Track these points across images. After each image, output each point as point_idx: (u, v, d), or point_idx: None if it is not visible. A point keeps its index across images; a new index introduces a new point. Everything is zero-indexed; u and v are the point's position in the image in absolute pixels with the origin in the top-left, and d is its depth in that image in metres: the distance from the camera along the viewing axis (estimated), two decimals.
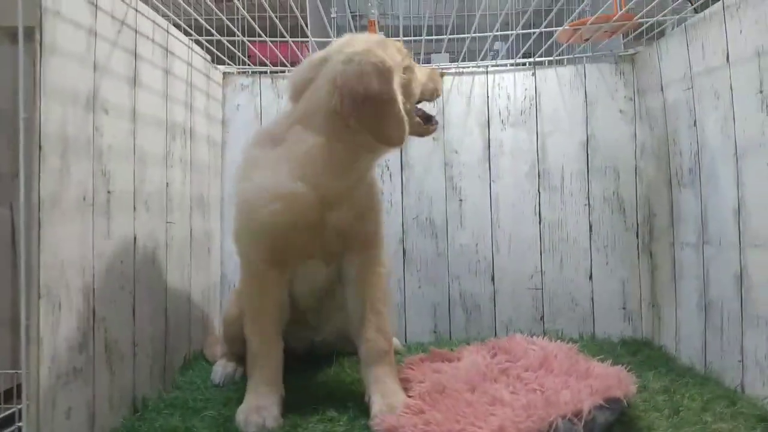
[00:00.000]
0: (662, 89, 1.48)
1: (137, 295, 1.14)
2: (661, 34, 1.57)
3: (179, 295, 1.36)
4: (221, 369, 1.31)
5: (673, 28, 1.50)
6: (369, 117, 1.01)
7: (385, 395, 1.03)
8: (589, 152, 1.62)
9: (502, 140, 1.64)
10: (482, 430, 0.86)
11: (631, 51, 1.62)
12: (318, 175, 1.04)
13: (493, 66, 1.66)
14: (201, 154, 1.51)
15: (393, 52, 1.09)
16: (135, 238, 1.13)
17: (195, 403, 1.16)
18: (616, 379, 0.97)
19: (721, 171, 1.24)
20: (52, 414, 0.86)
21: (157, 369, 1.24)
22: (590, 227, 1.61)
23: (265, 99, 1.66)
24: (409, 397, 1.02)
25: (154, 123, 1.23)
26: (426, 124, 1.22)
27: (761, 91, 1.09)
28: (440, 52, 1.81)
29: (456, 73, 1.66)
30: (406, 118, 1.03)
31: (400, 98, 1.03)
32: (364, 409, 1.05)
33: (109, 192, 1.04)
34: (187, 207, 1.41)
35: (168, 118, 1.29)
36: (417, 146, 1.64)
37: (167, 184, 1.29)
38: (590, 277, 1.60)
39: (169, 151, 1.30)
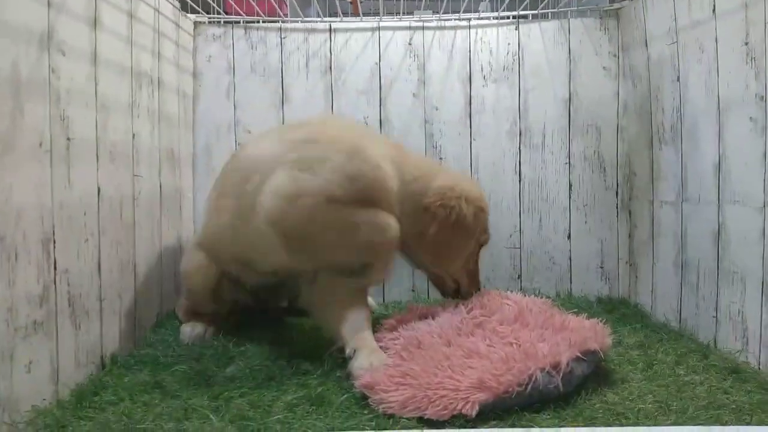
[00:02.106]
0: (647, 44, 1.45)
1: (103, 249, 1.09)
2: None
3: (149, 251, 1.32)
4: (189, 329, 1.28)
5: None
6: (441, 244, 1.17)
7: (367, 353, 1.01)
8: (571, 110, 1.59)
9: (484, 97, 1.60)
10: (461, 382, 0.85)
11: (616, 5, 1.58)
12: None
13: (476, 19, 1.61)
14: (170, 106, 1.45)
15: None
16: (99, 190, 1.08)
17: (166, 359, 1.14)
18: (592, 332, 0.97)
19: (703, 127, 1.22)
20: (10, 367, 0.82)
21: (127, 326, 1.20)
22: (570, 186, 1.60)
23: (237, 50, 1.59)
24: (386, 349, 1.00)
25: (118, 69, 1.16)
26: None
27: (746, 43, 1.07)
28: (420, 10, 1.75)
29: (437, 27, 1.60)
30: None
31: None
32: (339, 364, 1.03)
33: (68, 139, 0.98)
34: (156, 160, 1.36)
35: (133, 65, 1.23)
36: (396, 102, 1.59)
37: (134, 134, 1.23)
38: (569, 236, 1.60)
39: (135, 100, 1.24)
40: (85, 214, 1.04)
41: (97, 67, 1.08)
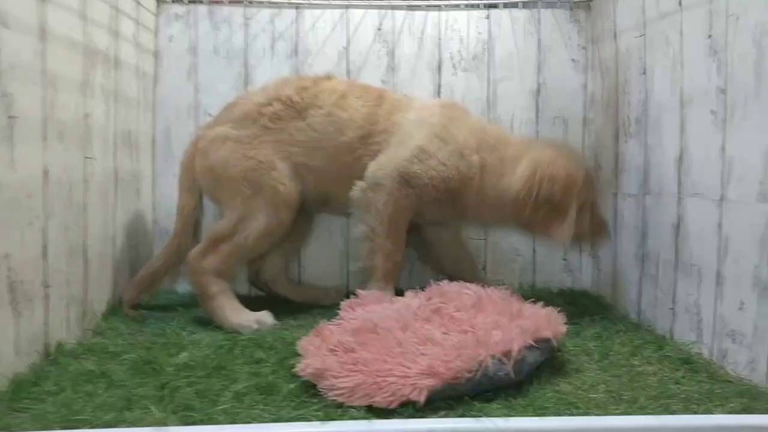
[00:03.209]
0: (615, 37, 1.44)
1: (49, 233, 1.05)
2: None
3: (102, 236, 1.28)
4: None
5: None
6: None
7: None
8: (539, 101, 1.58)
9: (453, 86, 1.58)
10: (410, 369, 0.84)
11: None
12: None
13: (446, 5, 1.58)
14: (128, 86, 1.40)
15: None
16: (46, 171, 1.04)
17: (115, 348, 1.10)
18: (545, 320, 0.96)
19: (667, 120, 1.22)
20: None
21: (76, 313, 1.16)
22: None
23: (201, 30, 1.54)
24: (341, 333, 0.98)
25: (69, 45, 1.11)
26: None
27: (710, 36, 1.07)
28: None
29: (408, 10, 1.57)
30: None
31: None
32: (292, 351, 1.01)
33: (10, 117, 0.93)
34: (111, 142, 1.31)
35: (87, 41, 1.18)
36: None
37: (86, 114, 1.18)
38: None
39: (89, 79, 1.19)
40: (29, 196, 0.99)
41: (46, 42, 1.03)
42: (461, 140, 1.29)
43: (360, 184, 1.27)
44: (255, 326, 1.21)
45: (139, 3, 1.44)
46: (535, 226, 1.31)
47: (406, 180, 1.26)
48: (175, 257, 1.34)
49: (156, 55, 1.54)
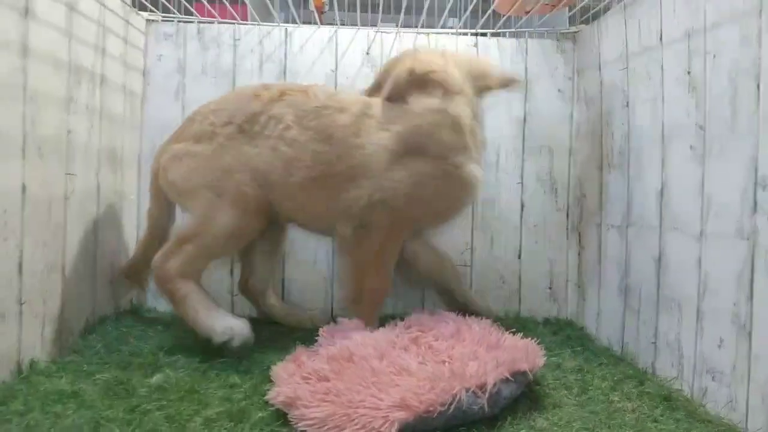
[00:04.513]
0: (600, 68, 1.46)
1: (25, 249, 1.04)
2: (606, 10, 1.55)
3: (82, 254, 1.26)
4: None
5: (614, 5, 1.48)
6: None
7: None
8: (525, 130, 1.59)
9: None
10: (383, 401, 0.83)
11: (573, 29, 1.60)
12: None
13: (434, 31, 1.60)
14: (114, 105, 1.40)
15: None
16: (24, 187, 1.03)
17: (90, 367, 1.08)
18: (523, 352, 0.95)
19: (648, 153, 1.23)
20: None
21: (51, 331, 1.14)
22: (522, 206, 1.60)
23: (190, 50, 1.55)
24: (315, 360, 0.97)
25: (52, 62, 1.11)
26: None
27: (689, 72, 1.08)
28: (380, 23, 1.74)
29: (396, 34, 1.59)
30: None
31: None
32: (268, 376, 0.99)
33: None
34: (94, 159, 1.30)
35: (72, 59, 1.18)
36: None
37: (68, 131, 1.18)
38: (519, 256, 1.59)
39: (72, 96, 1.19)
40: (5, 211, 0.98)
41: (27, 58, 1.03)
42: None
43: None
44: (226, 337, 1.16)
45: (128, 22, 1.45)
46: None
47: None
48: (142, 261, 1.37)
49: (144, 73, 1.54)
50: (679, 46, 1.11)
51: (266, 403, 0.92)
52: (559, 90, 1.60)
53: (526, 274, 1.59)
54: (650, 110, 1.22)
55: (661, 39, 1.17)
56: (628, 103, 1.32)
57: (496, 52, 1.60)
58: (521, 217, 1.59)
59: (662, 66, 1.17)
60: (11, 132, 0.99)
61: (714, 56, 1.00)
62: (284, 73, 1.56)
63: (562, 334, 1.43)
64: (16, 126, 1.01)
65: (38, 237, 1.08)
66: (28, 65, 1.03)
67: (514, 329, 1.13)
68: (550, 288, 1.60)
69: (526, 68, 1.59)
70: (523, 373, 0.92)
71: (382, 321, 1.22)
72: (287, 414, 0.86)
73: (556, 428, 0.88)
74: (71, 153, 1.19)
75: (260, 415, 0.87)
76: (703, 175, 1.03)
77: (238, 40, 1.56)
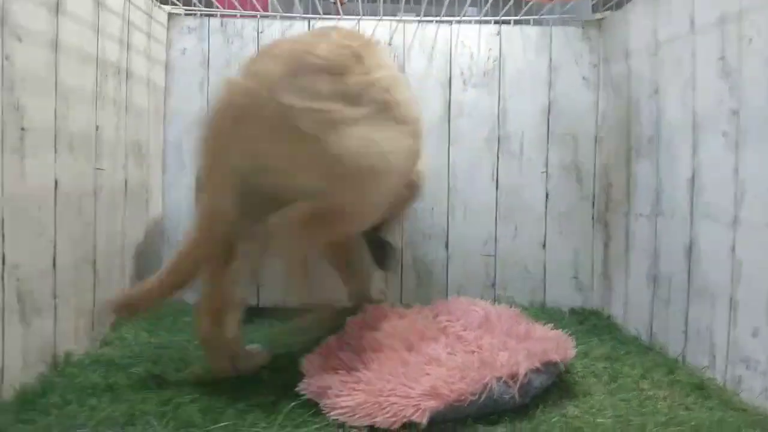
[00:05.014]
0: (627, 56, 1.44)
1: (59, 244, 1.05)
2: None
3: (111, 248, 1.28)
4: None
5: None
6: None
7: None
8: (550, 119, 1.58)
9: (463, 102, 1.58)
10: (413, 389, 0.83)
11: (598, 15, 1.57)
12: None
13: (456, 23, 1.59)
14: (140, 99, 1.41)
15: None
16: (56, 183, 1.05)
17: (122, 360, 1.10)
18: (554, 343, 0.95)
19: (679, 141, 1.21)
20: None
21: (84, 324, 1.16)
22: (547, 195, 1.58)
23: (213, 43, 1.55)
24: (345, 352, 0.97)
25: (81, 58, 1.13)
26: None
27: (722, 58, 1.06)
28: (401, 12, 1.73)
29: (419, 23, 1.58)
30: None
31: None
32: (297, 369, 1.00)
33: (22, 129, 0.94)
34: (122, 154, 1.32)
35: (99, 54, 1.19)
36: None
37: (97, 126, 1.19)
38: (543, 246, 1.58)
39: (100, 91, 1.20)
40: (39, 207, 1.00)
41: (58, 54, 1.04)
42: None
43: None
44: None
45: (151, 16, 1.46)
46: None
47: None
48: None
49: (168, 67, 1.55)
50: (712, 31, 1.08)
51: (297, 394, 0.92)
52: (584, 78, 1.57)
53: (551, 264, 1.58)
54: (680, 98, 1.20)
55: (692, 25, 1.15)
56: (657, 90, 1.30)
57: (519, 40, 1.57)
58: (546, 206, 1.58)
59: (693, 52, 1.15)
60: (44, 127, 1.01)
61: (750, 41, 0.97)
62: None
63: (589, 323, 1.42)
64: (48, 121, 1.02)
65: (70, 232, 1.10)
66: (59, 60, 1.04)
67: (543, 319, 1.13)
68: (575, 278, 1.58)
69: (550, 56, 1.57)
70: (555, 364, 0.92)
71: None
72: (318, 404, 0.87)
73: (587, 416, 0.87)
74: (99, 148, 1.20)
75: (292, 405, 0.88)
76: (737, 162, 1.01)
77: (261, 32, 1.56)
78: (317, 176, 0.91)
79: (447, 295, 1.57)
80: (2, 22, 0.88)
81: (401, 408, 0.80)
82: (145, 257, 1.46)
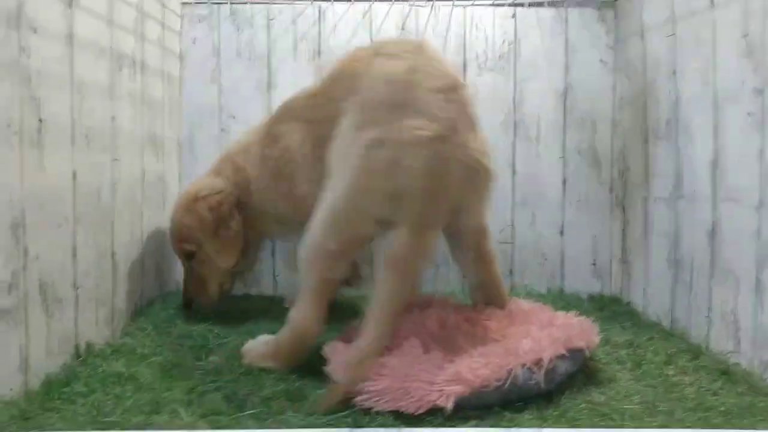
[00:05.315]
0: (642, 36, 1.41)
1: (78, 235, 1.06)
2: None
3: (129, 239, 1.28)
4: None
5: None
6: None
7: None
8: (566, 103, 1.56)
9: (478, 86, 1.56)
10: (438, 376, 0.83)
11: None
12: None
13: (470, 4, 1.56)
14: (154, 90, 1.40)
15: None
16: (74, 174, 1.05)
17: (143, 350, 1.11)
18: (578, 330, 0.94)
19: (699, 122, 1.19)
20: None
21: (104, 315, 1.17)
22: (564, 181, 1.56)
23: (224, 32, 1.54)
24: None
25: (96, 50, 1.12)
26: None
27: (746, 35, 1.03)
28: None
29: (432, 7, 1.55)
30: None
31: None
32: (318, 356, 1.00)
33: (40, 121, 0.94)
34: (138, 145, 1.32)
35: (113, 46, 1.18)
36: None
37: (113, 117, 1.19)
38: (561, 232, 1.57)
39: (115, 83, 1.20)
40: (59, 199, 1.00)
41: (73, 47, 1.03)
42: None
43: None
44: None
45: (164, 5, 1.45)
46: None
47: None
48: None
49: (181, 57, 1.55)
50: (733, 8, 1.06)
51: (320, 382, 0.92)
52: (600, 60, 1.55)
53: (569, 250, 1.57)
54: (700, 77, 1.17)
55: (712, 1, 1.12)
56: (675, 71, 1.27)
57: (534, 23, 1.55)
58: (563, 192, 1.56)
59: (714, 30, 1.12)
60: (61, 120, 1.00)
61: None
62: (318, 52, 1.55)
63: (608, 309, 1.41)
64: (65, 114, 1.02)
65: (89, 223, 1.10)
66: (75, 54, 1.04)
67: (562, 305, 1.12)
68: (593, 264, 1.57)
69: (566, 39, 1.55)
70: (580, 350, 0.91)
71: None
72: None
73: (614, 402, 0.87)
74: (116, 140, 1.20)
75: (317, 393, 0.88)
76: (763, 143, 0.99)
77: (272, 20, 1.54)
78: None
79: (463, 283, 1.56)
80: (18, 15, 0.88)
81: (426, 393, 0.80)
82: (162, 247, 1.47)
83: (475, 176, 0.99)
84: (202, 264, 1.28)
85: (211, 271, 1.29)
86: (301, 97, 1.20)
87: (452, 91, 0.97)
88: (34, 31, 0.92)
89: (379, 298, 0.91)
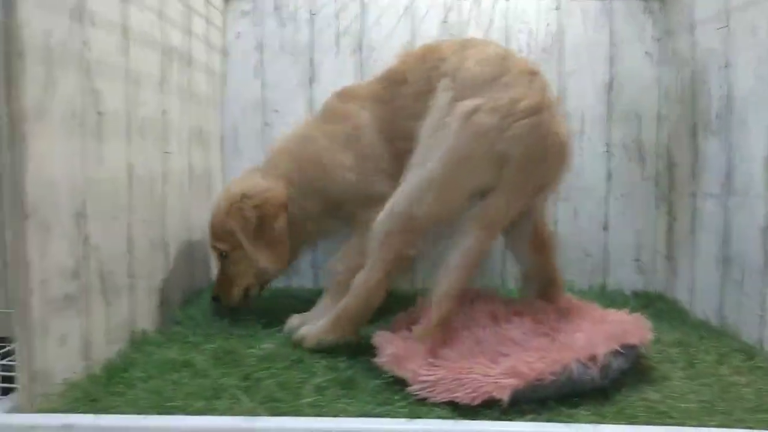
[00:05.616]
0: (692, 28, 1.38)
1: (133, 226, 1.08)
2: None
3: (179, 231, 1.31)
4: None
5: None
6: None
7: None
8: (611, 96, 1.53)
9: None
10: (493, 368, 0.83)
11: None
12: None
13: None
14: (200, 84, 1.43)
15: None
16: (129, 166, 1.07)
17: (195, 338, 1.13)
18: (632, 325, 0.93)
19: (753, 116, 1.16)
20: (44, 339, 0.82)
21: (157, 304, 1.20)
22: (608, 175, 1.54)
23: (267, 27, 1.55)
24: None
25: (149, 43, 1.14)
26: None
27: None
28: None
29: (474, 2, 1.54)
30: None
31: None
32: (367, 347, 1.01)
33: (99, 113, 0.97)
34: (186, 139, 1.34)
35: (163, 39, 1.21)
36: None
37: (164, 111, 1.21)
38: (605, 228, 1.55)
39: (165, 76, 1.22)
40: (115, 190, 1.03)
41: (128, 40, 1.06)
42: None
43: None
44: None
45: (208, 1, 1.47)
46: None
47: None
48: None
49: (224, 52, 1.57)
50: None
51: (369, 370, 0.93)
52: (646, 53, 1.52)
53: (613, 246, 1.54)
54: (754, 70, 1.14)
55: None
56: (727, 63, 1.24)
57: (579, 15, 1.53)
58: (607, 186, 1.54)
59: None
60: (117, 112, 1.03)
61: None
62: (360, 47, 1.55)
63: (653, 307, 1.39)
64: (121, 107, 1.04)
65: (143, 214, 1.13)
66: (129, 46, 1.06)
67: (606, 302, 1.10)
68: (637, 260, 1.55)
69: (611, 31, 1.52)
70: (633, 347, 0.90)
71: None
72: (398, 383, 0.88)
73: (670, 401, 0.85)
74: (166, 133, 1.23)
75: (372, 382, 0.89)
76: None
77: (315, 14, 1.55)
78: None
79: (503, 280, 1.55)
80: (81, 8, 0.90)
81: (481, 385, 0.80)
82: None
83: (565, 153, 1.02)
84: (233, 265, 1.25)
85: (241, 274, 1.26)
86: (368, 82, 1.26)
87: (536, 75, 1.02)
88: (93, 24, 0.94)
89: (460, 248, 0.92)
